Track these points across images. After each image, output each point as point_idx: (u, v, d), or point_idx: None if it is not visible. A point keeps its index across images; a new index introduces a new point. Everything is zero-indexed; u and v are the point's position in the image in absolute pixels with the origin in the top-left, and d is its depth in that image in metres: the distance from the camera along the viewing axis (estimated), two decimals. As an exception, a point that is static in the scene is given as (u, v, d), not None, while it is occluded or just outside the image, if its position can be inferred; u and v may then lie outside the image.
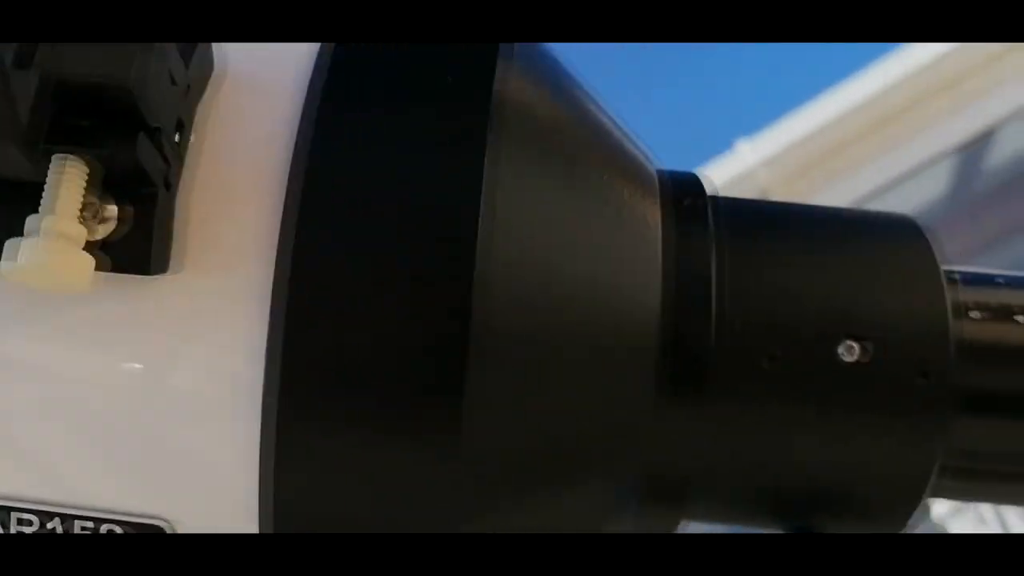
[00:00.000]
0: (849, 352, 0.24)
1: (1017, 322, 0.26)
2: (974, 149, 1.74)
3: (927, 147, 1.64)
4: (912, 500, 0.25)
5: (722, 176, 1.58)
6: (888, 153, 1.62)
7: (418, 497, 0.21)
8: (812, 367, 0.24)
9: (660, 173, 0.27)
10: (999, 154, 1.79)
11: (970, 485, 0.27)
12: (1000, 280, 0.27)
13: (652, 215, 0.25)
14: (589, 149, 0.25)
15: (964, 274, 0.27)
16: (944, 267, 0.26)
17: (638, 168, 0.26)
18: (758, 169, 1.56)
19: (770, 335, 0.25)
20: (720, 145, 1.58)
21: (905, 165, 1.65)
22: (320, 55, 0.23)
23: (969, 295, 0.26)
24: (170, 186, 0.21)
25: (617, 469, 0.25)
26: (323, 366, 0.21)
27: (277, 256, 0.21)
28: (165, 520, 0.22)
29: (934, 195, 1.84)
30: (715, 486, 0.26)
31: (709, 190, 0.27)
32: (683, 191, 0.26)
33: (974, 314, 0.26)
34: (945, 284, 0.25)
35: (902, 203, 1.81)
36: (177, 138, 0.21)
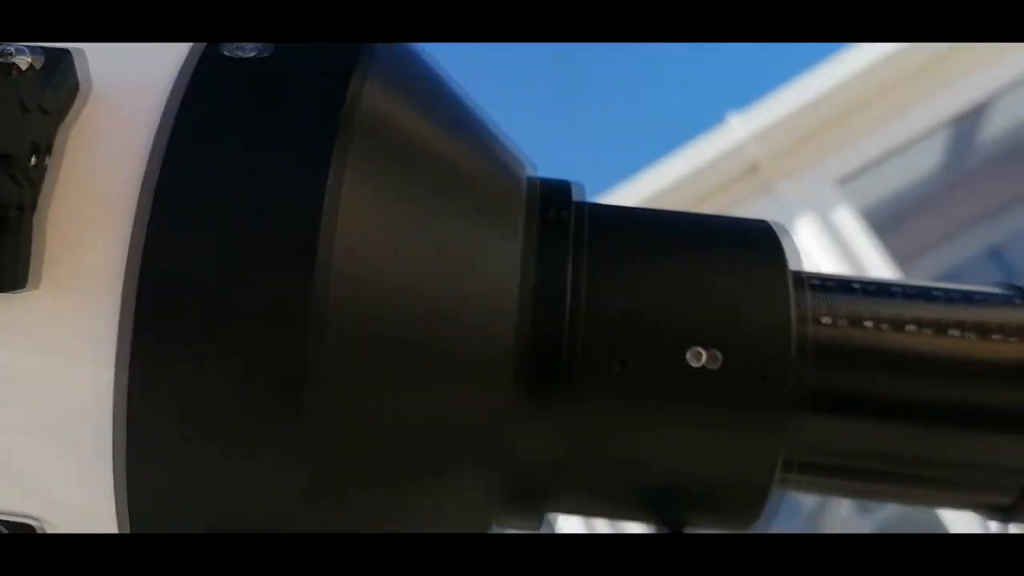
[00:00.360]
0: (697, 358, 0.26)
1: (866, 327, 0.27)
2: (970, 120, 1.73)
3: (922, 119, 1.63)
4: (759, 494, 0.26)
5: (713, 150, 1.58)
6: (882, 125, 1.61)
7: (263, 499, 0.23)
8: (662, 373, 0.26)
9: (530, 181, 0.28)
10: (996, 125, 1.78)
11: (818, 480, 0.28)
12: (858, 286, 0.28)
13: (515, 223, 0.26)
14: (448, 157, 0.26)
15: (822, 280, 0.28)
16: (802, 272, 0.28)
17: (503, 176, 0.27)
18: (749, 143, 1.56)
19: (622, 342, 0.26)
20: (712, 119, 1.58)
21: (900, 137, 1.64)
22: (185, 71, 0.24)
23: (822, 301, 0.27)
24: (24, 208, 0.22)
25: (475, 468, 0.26)
26: (170, 376, 0.22)
27: (127, 270, 0.22)
28: (35, 519, 0.24)
29: (929, 167, 1.83)
30: (575, 483, 0.27)
31: (579, 197, 0.28)
32: (550, 200, 0.27)
33: (826, 319, 0.27)
34: (793, 291, 0.26)
35: (898, 175, 1.80)
36: (34, 161, 0.22)
